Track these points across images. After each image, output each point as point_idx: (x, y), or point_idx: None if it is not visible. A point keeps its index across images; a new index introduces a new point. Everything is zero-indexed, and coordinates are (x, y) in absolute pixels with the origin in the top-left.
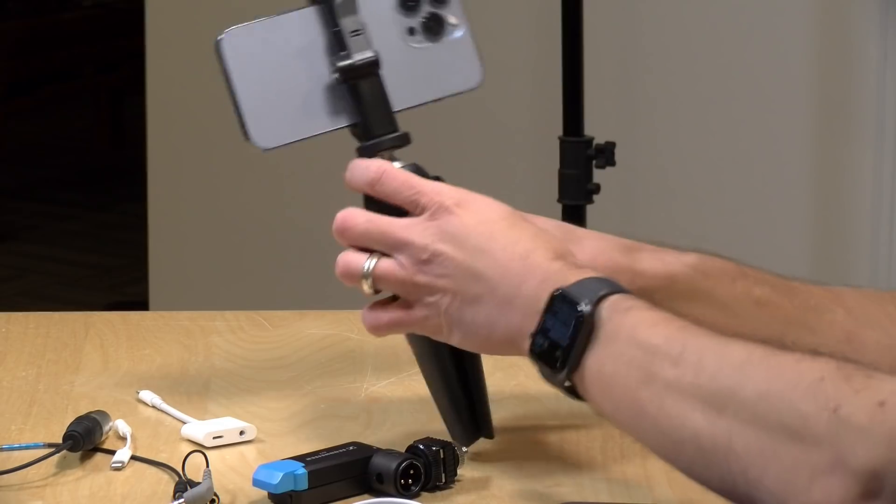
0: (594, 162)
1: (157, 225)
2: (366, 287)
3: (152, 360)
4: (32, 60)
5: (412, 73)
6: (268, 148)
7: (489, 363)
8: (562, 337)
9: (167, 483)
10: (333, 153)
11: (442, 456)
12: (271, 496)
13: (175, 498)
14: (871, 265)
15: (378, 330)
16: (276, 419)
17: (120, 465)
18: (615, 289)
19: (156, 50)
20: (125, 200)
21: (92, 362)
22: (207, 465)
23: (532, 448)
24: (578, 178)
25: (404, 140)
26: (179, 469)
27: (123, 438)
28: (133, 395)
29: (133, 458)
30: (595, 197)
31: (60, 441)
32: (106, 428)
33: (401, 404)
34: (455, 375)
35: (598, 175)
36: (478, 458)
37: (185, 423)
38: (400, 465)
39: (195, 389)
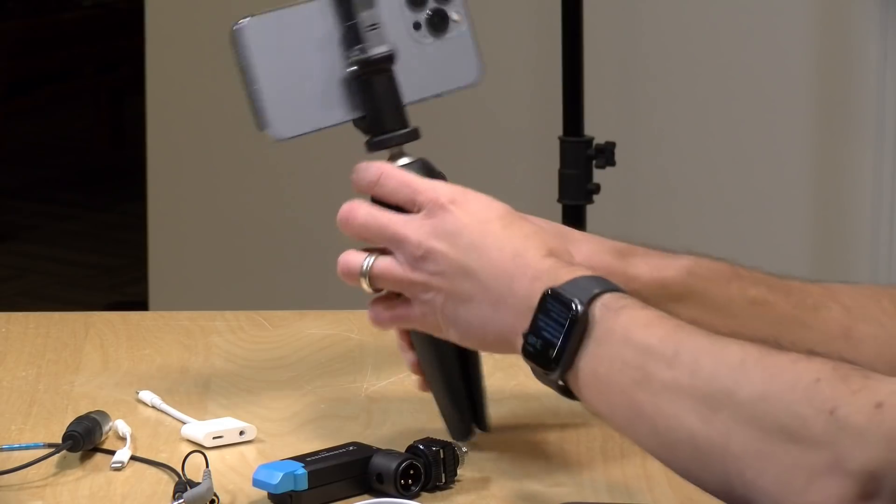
0: (594, 162)
1: (156, 225)
2: (365, 285)
3: (152, 360)
4: (32, 60)
5: (415, 69)
6: (283, 138)
7: (489, 363)
8: (555, 336)
9: (167, 483)
10: (333, 153)
11: (442, 456)
12: (271, 496)
13: (175, 498)
14: (871, 265)
15: (381, 325)
16: (276, 419)
17: (120, 465)
18: (608, 287)
19: (156, 50)
20: (125, 200)
21: (92, 362)
22: (207, 466)
23: (532, 448)
24: (578, 178)
25: (414, 135)
26: (179, 469)
27: (123, 438)
28: (133, 395)
29: (133, 458)
30: (595, 197)
31: (60, 441)
32: (106, 428)
33: (401, 404)
34: (457, 369)
35: (598, 175)
36: (478, 458)
37: (185, 423)
38: (400, 465)
39: (195, 389)
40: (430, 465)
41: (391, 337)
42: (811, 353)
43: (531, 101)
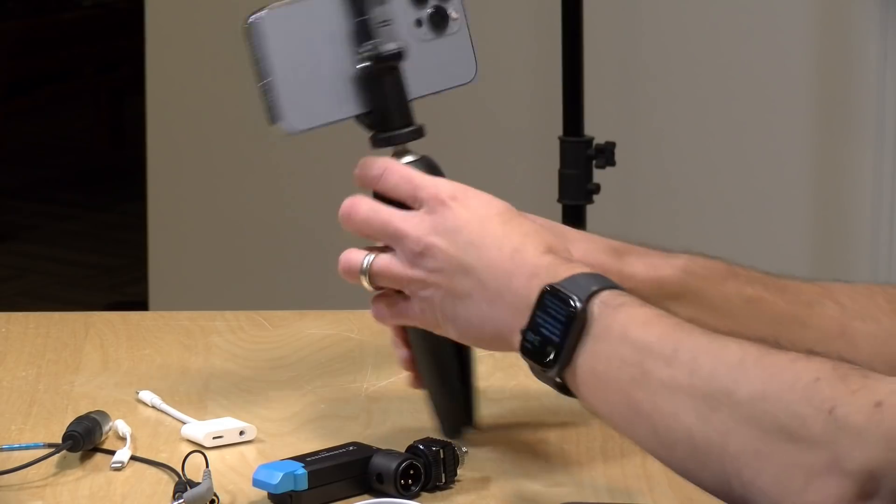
0: (594, 162)
1: (156, 225)
2: (365, 283)
3: (152, 360)
4: (32, 60)
5: (415, 66)
6: (296, 131)
7: (489, 363)
8: (553, 334)
9: (167, 483)
10: (333, 153)
11: (442, 456)
12: (271, 496)
13: (175, 498)
14: (871, 265)
15: (383, 322)
16: (276, 419)
17: (120, 465)
18: (606, 284)
19: (156, 50)
20: (125, 200)
21: (92, 362)
22: (207, 466)
23: (532, 448)
24: (578, 178)
25: (419, 133)
26: (179, 469)
27: (123, 438)
28: (133, 395)
29: (133, 458)
30: (595, 197)
31: (60, 441)
32: (106, 428)
33: (401, 404)
34: (454, 367)
35: (598, 175)
36: (478, 458)
37: (184, 423)
38: (400, 465)
39: (195, 389)
40: (430, 465)
41: (392, 336)
42: (810, 352)
43: (531, 101)
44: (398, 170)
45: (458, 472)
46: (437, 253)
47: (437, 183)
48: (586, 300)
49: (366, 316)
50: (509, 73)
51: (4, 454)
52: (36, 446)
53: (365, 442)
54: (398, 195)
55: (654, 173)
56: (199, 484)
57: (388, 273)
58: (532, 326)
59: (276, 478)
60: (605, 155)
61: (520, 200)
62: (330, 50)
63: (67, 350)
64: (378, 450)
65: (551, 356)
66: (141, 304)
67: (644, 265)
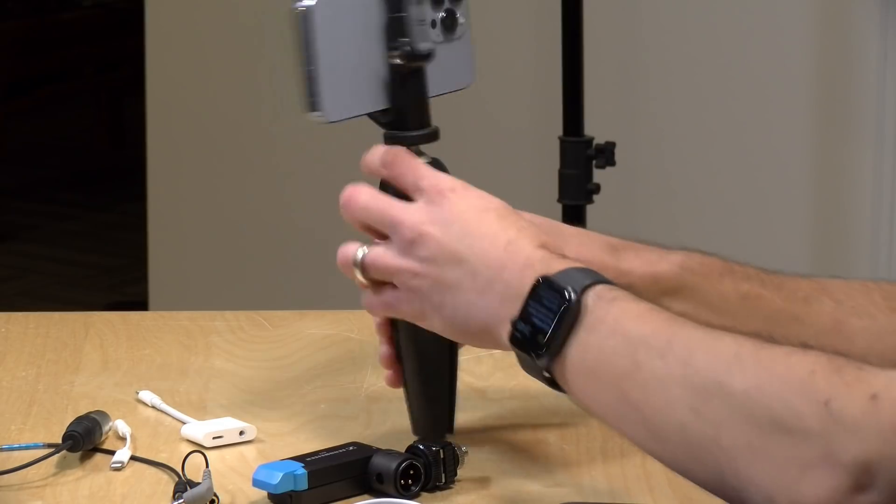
0: (594, 162)
1: (156, 225)
2: (358, 275)
3: (152, 360)
4: (32, 60)
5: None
6: (332, 121)
7: (489, 363)
8: (545, 323)
9: (167, 483)
10: (333, 153)
11: (442, 456)
12: (271, 496)
13: (175, 498)
14: (871, 265)
15: (372, 312)
16: (276, 419)
17: (120, 465)
18: (600, 279)
19: (156, 50)
20: (125, 200)
21: (92, 362)
22: (207, 466)
23: (532, 448)
24: (578, 178)
25: (435, 136)
26: (179, 469)
27: (123, 438)
28: (133, 395)
29: (133, 458)
30: (595, 197)
31: (60, 441)
32: (106, 428)
33: (401, 404)
34: (441, 370)
35: (598, 175)
36: (478, 458)
37: (184, 423)
38: (400, 465)
39: (195, 389)
40: (430, 465)
41: None
42: (805, 346)
43: (531, 101)
44: (405, 159)
45: (458, 472)
46: (429, 241)
47: (440, 175)
48: (581, 292)
49: (366, 316)
50: (509, 73)
51: (4, 454)
52: (36, 446)
53: (365, 442)
54: (402, 184)
55: (654, 173)
56: (199, 484)
57: (380, 263)
58: (523, 316)
59: (276, 478)
60: (605, 155)
61: (520, 200)
62: (365, 43)
63: (67, 350)
64: (378, 450)
65: (542, 346)
66: (141, 304)
67: (641, 261)
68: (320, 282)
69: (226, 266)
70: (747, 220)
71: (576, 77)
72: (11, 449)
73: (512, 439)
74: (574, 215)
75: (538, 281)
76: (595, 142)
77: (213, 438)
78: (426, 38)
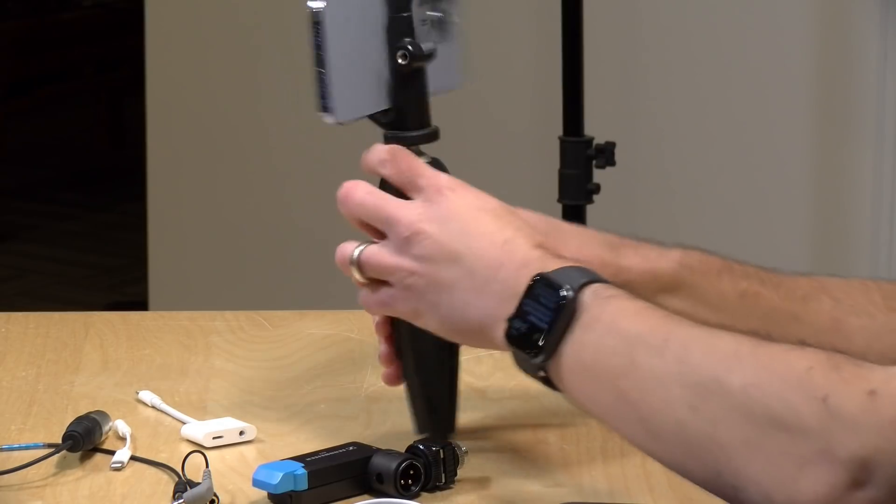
0: (594, 162)
1: (156, 225)
2: (355, 274)
3: (152, 360)
4: (32, 60)
5: None
6: (343, 121)
7: (489, 363)
8: (541, 321)
9: (167, 483)
10: (333, 153)
11: (442, 456)
12: (271, 496)
13: (175, 498)
14: (871, 265)
15: (369, 310)
16: (276, 419)
17: (120, 465)
18: (596, 278)
19: (156, 50)
20: (125, 200)
21: (92, 362)
22: (207, 466)
23: (532, 448)
24: (578, 178)
25: (435, 136)
26: (179, 469)
27: (123, 438)
28: (133, 395)
29: (133, 458)
30: (595, 197)
31: (60, 441)
32: (106, 428)
33: (401, 404)
34: (440, 372)
35: (598, 175)
36: (478, 458)
37: (184, 423)
38: (400, 465)
39: (195, 389)
40: (430, 465)
41: None
42: (803, 343)
43: (531, 101)
44: (405, 157)
45: (458, 472)
46: (425, 239)
47: (438, 174)
48: (578, 290)
49: (366, 316)
50: (509, 73)
51: (4, 454)
52: (36, 446)
53: (365, 442)
54: (400, 181)
55: (654, 173)
56: (199, 484)
57: (375, 261)
58: (520, 314)
59: (276, 478)
60: (605, 155)
61: (520, 200)
62: (370, 44)
63: (67, 350)
64: (378, 450)
65: (538, 343)
66: (141, 304)
67: (640, 258)
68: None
69: (226, 266)
70: (747, 219)
71: (576, 77)
72: (11, 449)
73: (512, 439)
74: (574, 215)
75: (535, 279)
76: (595, 142)
77: (213, 438)
78: (428, 37)
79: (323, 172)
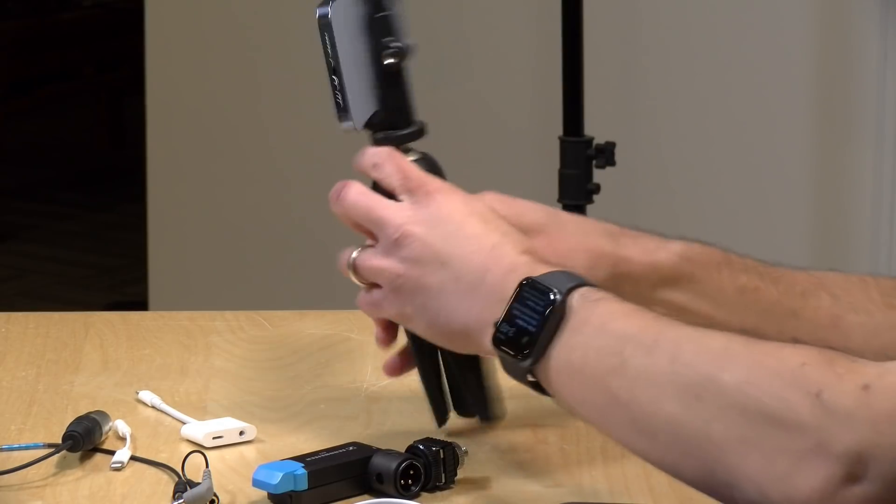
0: (594, 162)
1: (156, 225)
2: (353, 277)
3: (152, 360)
4: (32, 60)
5: None
6: (359, 128)
7: (489, 363)
8: (529, 324)
9: (167, 483)
10: (333, 153)
11: (442, 456)
12: (271, 496)
13: (175, 498)
14: (871, 265)
15: (363, 311)
16: (277, 420)
17: (120, 465)
18: (584, 282)
19: (156, 50)
20: (125, 200)
21: (92, 362)
22: (207, 466)
23: (532, 448)
24: (578, 178)
25: (423, 133)
26: (179, 469)
27: (123, 439)
28: (133, 395)
29: (133, 458)
30: (595, 197)
31: (60, 441)
32: (106, 428)
33: (401, 404)
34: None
35: (598, 175)
36: (478, 458)
37: (184, 423)
38: (400, 465)
39: (195, 389)
40: (430, 465)
41: None
42: (796, 340)
43: (531, 101)
44: (396, 160)
45: (458, 472)
46: (413, 241)
47: (428, 177)
48: (566, 293)
49: (366, 316)
50: (509, 73)
51: (4, 454)
52: (36, 446)
53: (365, 442)
54: (390, 184)
55: (654, 173)
56: (199, 484)
57: (366, 264)
58: (507, 318)
59: (275, 478)
60: (605, 155)
61: None
62: (360, 45)
63: (67, 350)
64: (378, 450)
65: (526, 347)
66: (141, 304)
67: (640, 249)
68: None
69: (226, 266)
70: (747, 219)
71: (576, 77)
72: (11, 449)
73: (512, 439)
74: None
75: (523, 283)
76: (595, 142)
77: (213, 438)
78: (408, 34)
79: (323, 172)
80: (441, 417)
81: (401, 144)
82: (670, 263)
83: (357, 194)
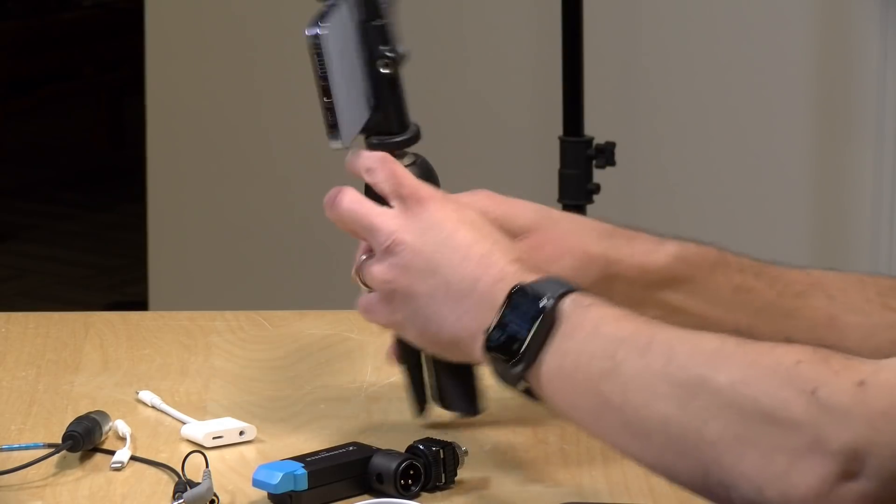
0: (594, 162)
1: (156, 225)
2: (360, 283)
3: (152, 360)
4: (32, 60)
5: None
6: (346, 146)
7: None
8: (521, 330)
9: (167, 483)
10: (333, 153)
11: (442, 456)
12: (271, 496)
13: (175, 498)
14: (871, 265)
15: (362, 316)
16: (276, 419)
17: (120, 465)
18: (575, 287)
19: (156, 50)
20: (125, 200)
21: (92, 362)
22: (207, 466)
23: (532, 448)
24: (578, 178)
25: (418, 138)
26: (179, 469)
27: (123, 439)
28: (133, 395)
29: (133, 458)
30: (595, 197)
31: (60, 441)
32: (106, 428)
33: (401, 404)
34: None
35: (598, 175)
36: (478, 458)
37: (184, 423)
38: (400, 465)
39: (195, 389)
40: (430, 465)
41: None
42: (791, 340)
43: (531, 101)
44: (389, 165)
45: (458, 472)
46: (403, 250)
47: (421, 184)
48: (557, 299)
49: None
50: (509, 73)
51: (4, 454)
52: (36, 446)
53: (365, 442)
54: (383, 190)
55: (654, 173)
56: (199, 484)
57: (363, 269)
58: (499, 324)
59: (275, 478)
60: (605, 155)
61: None
62: (351, 57)
63: (67, 350)
64: (378, 450)
65: (518, 353)
66: (141, 304)
67: (633, 249)
68: (320, 282)
69: (226, 266)
70: (747, 220)
71: (576, 77)
72: (11, 449)
73: (512, 439)
74: None
75: (514, 289)
76: (595, 142)
77: (213, 438)
78: (402, 41)
79: (323, 172)
80: (420, 408)
81: (394, 150)
82: (664, 264)
83: (350, 202)
